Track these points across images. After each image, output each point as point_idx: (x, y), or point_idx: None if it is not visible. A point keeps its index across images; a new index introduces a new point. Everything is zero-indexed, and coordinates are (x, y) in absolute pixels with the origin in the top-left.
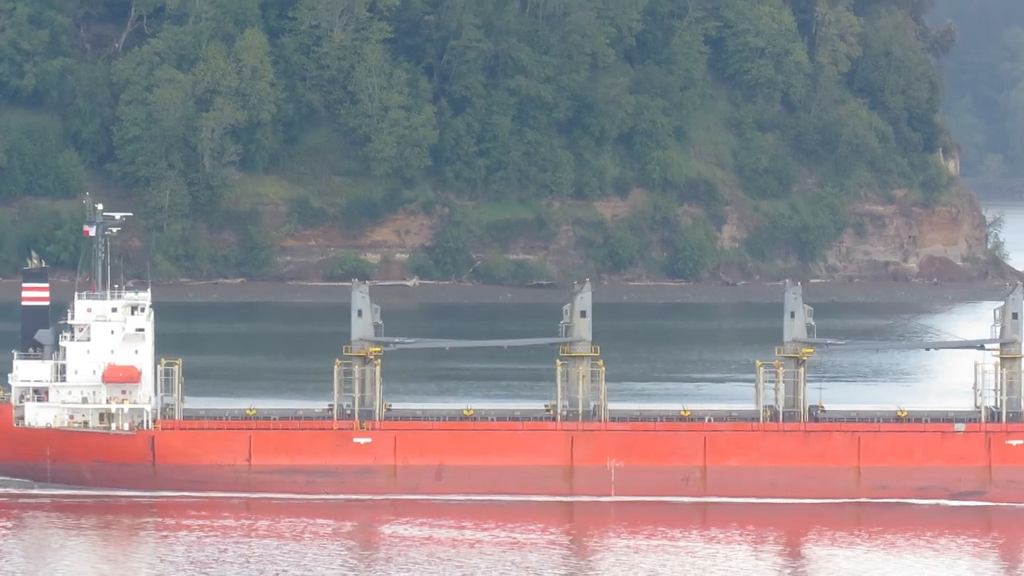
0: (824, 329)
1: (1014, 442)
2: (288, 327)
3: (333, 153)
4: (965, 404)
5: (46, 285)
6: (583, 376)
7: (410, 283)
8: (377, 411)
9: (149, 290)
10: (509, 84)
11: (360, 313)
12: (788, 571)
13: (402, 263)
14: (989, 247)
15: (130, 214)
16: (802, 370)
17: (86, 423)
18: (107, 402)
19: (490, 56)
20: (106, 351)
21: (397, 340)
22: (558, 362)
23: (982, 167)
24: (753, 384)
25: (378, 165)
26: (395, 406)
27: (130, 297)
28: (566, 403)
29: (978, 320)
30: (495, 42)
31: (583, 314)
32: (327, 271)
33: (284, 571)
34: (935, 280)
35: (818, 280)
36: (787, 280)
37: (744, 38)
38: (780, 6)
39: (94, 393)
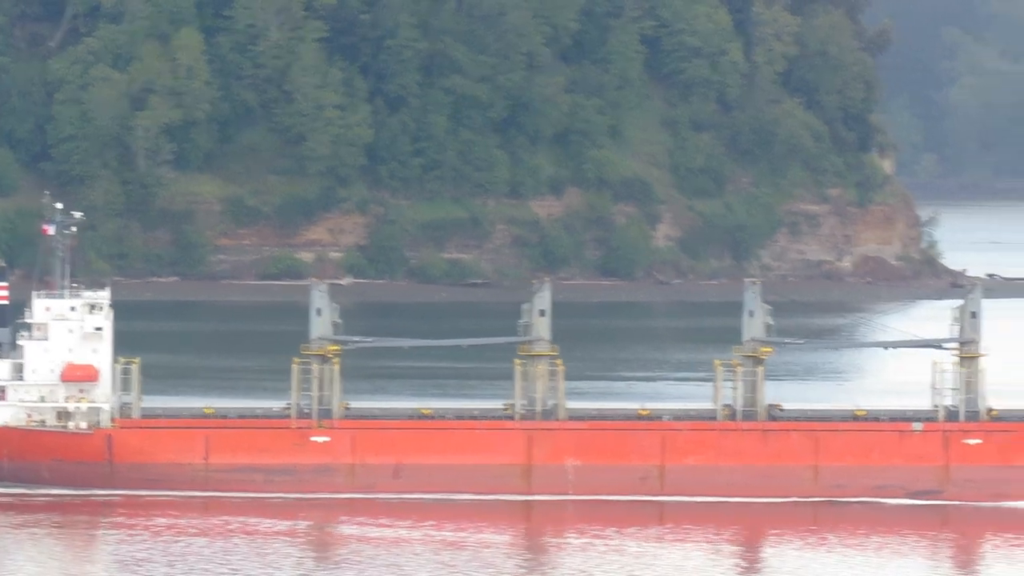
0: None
1: (972, 441)
2: (222, 326)
3: (268, 152)
4: (921, 403)
5: (6, 284)
6: (542, 375)
7: (344, 282)
8: (335, 410)
9: (108, 289)
10: (444, 83)
11: (319, 312)
12: (745, 570)
13: (336, 262)
14: (923, 247)
15: (80, 214)
16: (760, 369)
17: (43, 422)
18: (65, 401)
19: (426, 55)
20: (64, 350)
21: (356, 339)
22: (517, 361)
23: (918, 167)
24: (684, 383)
25: (313, 164)
26: (353, 405)
27: (89, 296)
28: (524, 402)
29: (917, 319)
30: (431, 41)
31: (542, 313)
32: (261, 270)
33: (238, 570)
34: (869, 279)
35: (752, 279)
36: (747, 279)
37: (680, 37)
38: (716, 5)
39: (52, 392)
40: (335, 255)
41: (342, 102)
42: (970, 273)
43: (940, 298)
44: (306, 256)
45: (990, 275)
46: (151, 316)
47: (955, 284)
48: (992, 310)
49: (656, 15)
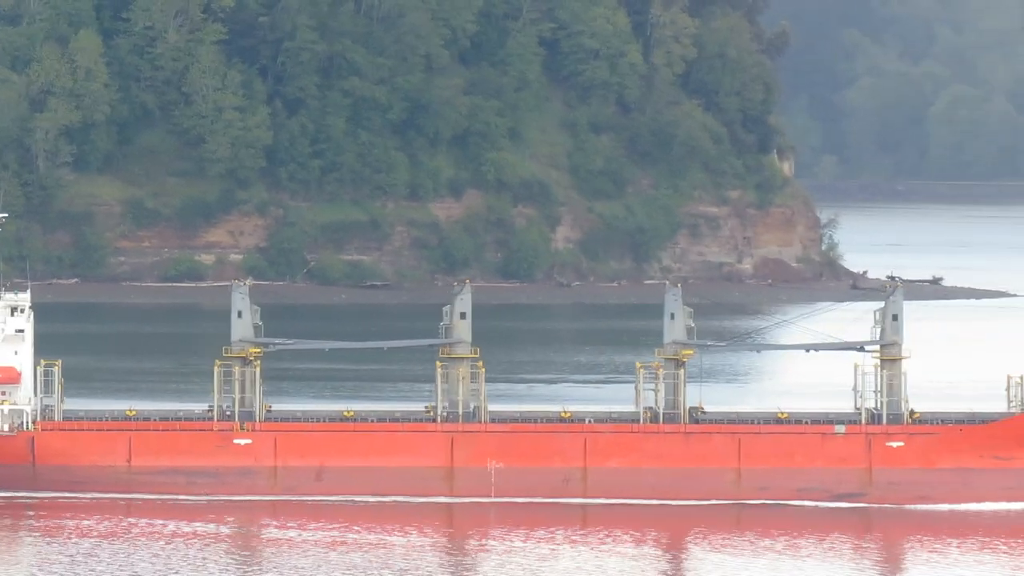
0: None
1: (894, 444)
2: (124, 328)
3: (167, 154)
4: (843, 406)
5: None
6: (463, 377)
7: (244, 284)
8: (257, 412)
9: (29, 291)
10: (343, 85)
11: (240, 314)
12: (668, 572)
13: (236, 264)
14: (823, 248)
15: (6, 215)
16: (682, 372)
17: None
18: None
19: (324, 58)
20: None
21: (278, 341)
22: (438, 363)
23: (817, 168)
24: (584, 385)
25: (212, 166)
26: (275, 407)
27: (10, 298)
28: (446, 404)
29: (834, 322)
30: (329, 43)
31: (463, 315)
32: (161, 272)
33: (160, 571)
34: (769, 281)
35: (652, 281)
36: (667, 282)
37: (579, 40)
38: (615, 8)
39: None
40: (235, 257)
41: (241, 104)
42: (871, 275)
43: (841, 300)
44: (206, 258)
45: (891, 277)
46: (52, 319)
47: (855, 286)
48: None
49: (554, 17)
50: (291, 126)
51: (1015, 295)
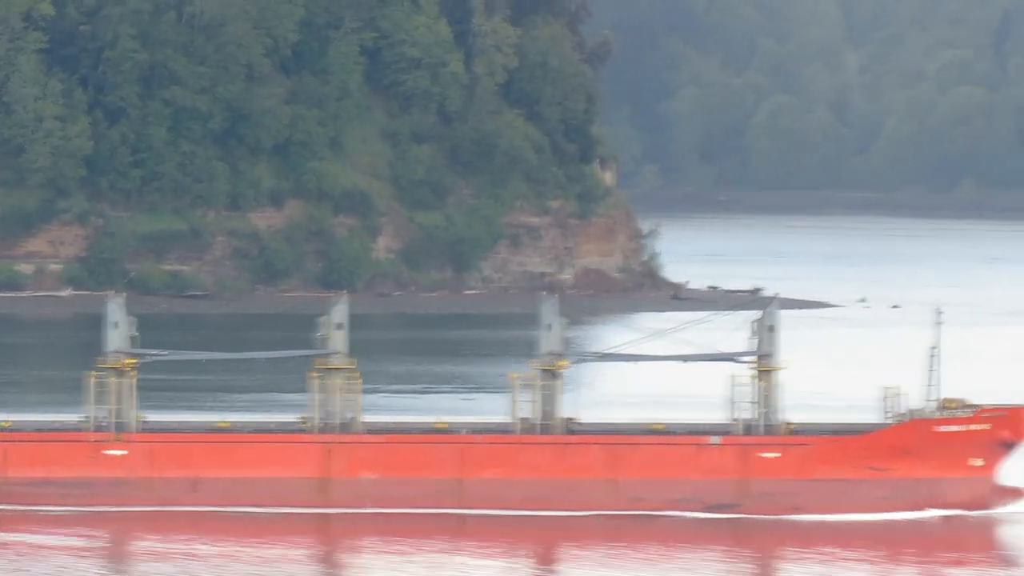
0: (496, 340)
1: (769, 455)
2: None
3: None
4: (719, 417)
5: None
6: (339, 388)
7: (63, 294)
8: (132, 423)
9: None
10: (164, 95)
11: (116, 325)
12: None
13: (56, 274)
14: (644, 258)
15: None
16: (558, 382)
17: None
18: None
19: (146, 67)
20: None
21: (153, 352)
22: (313, 374)
23: (639, 178)
24: (399, 395)
25: (32, 175)
26: (150, 418)
27: None
28: (321, 415)
29: (699, 331)
30: (151, 53)
31: (339, 326)
32: None
33: None
34: (590, 291)
35: (472, 291)
36: (544, 292)
37: (400, 49)
38: (436, 17)
39: None
40: (55, 267)
41: (62, 114)
42: (692, 285)
43: (662, 310)
44: (25, 268)
45: (711, 287)
46: None
47: (676, 296)
48: (718, 322)
49: (376, 26)
50: (112, 135)
51: (834, 305)
